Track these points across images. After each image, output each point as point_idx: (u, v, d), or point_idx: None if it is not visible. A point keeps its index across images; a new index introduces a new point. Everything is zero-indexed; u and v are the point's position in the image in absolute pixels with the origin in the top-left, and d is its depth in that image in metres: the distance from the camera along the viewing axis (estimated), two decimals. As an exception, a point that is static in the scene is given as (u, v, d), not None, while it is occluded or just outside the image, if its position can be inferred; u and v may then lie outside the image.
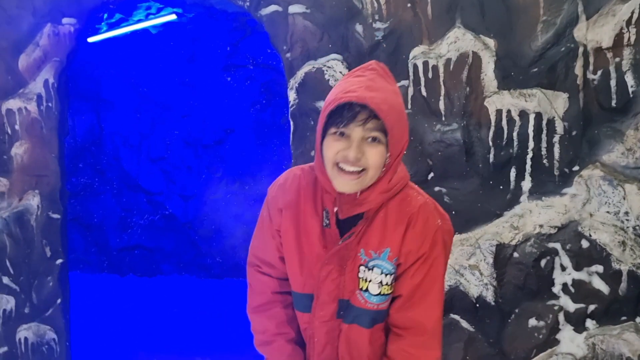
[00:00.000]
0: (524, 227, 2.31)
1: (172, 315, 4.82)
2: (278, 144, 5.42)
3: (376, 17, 2.44)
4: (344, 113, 1.25)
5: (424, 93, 2.40)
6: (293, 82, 2.59)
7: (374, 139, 1.27)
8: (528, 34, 2.24)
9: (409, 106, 2.42)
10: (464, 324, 2.41)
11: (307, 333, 1.46)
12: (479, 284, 2.38)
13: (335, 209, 1.37)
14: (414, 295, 1.36)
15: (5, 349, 3.17)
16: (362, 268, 1.36)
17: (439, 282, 1.38)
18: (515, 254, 2.33)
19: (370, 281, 1.35)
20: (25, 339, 3.14)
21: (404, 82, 2.41)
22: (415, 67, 2.40)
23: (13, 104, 3.03)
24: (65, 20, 2.95)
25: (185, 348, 4.05)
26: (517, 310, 2.35)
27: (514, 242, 2.32)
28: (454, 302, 2.44)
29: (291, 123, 2.62)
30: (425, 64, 2.38)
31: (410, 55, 2.41)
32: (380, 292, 1.36)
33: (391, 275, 1.36)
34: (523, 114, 2.27)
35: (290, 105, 2.62)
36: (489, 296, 2.37)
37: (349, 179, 1.28)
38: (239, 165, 5.69)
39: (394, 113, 1.27)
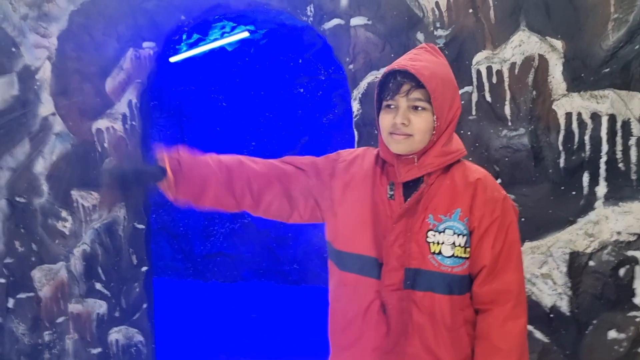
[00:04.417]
0: (600, 234, 2.20)
1: (252, 320, 4.98)
2: (350, 152, 5.46)
3: (437, 24, 2.43)
4: (390, 86, 1.40)
5: (488, 98, 2.36)
6: (356, 93, 2.64)
7: (418, 107, 1.38)
8: (598, 33, 2.14)
9: (474, 112, 2.39)
10: (538, 334, 2.33)
11: (375, 301, 1.46)
12: (552, 293, 2.29)
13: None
14: (497, 264, 1.40)
15: (99, 349, 3.43)
16: (430, 233, 1.40)
17: (518, 248, 1.44)
18: (591, 263, 2.22)
19: (442, 243, 1.39)
20: (117, 340, 3.39)
21: (467, 88, 2.39)
22: (479, 72, 2.36)
23: (102, 123, 3.30)
24: (145, 44, 3.18)
25: (263, 352, 4.18)
26: (595, 322, 2.24)
27: (589, 250, 2.22)
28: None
29: (355, 133, 2.66)
30: (489, 69, 2.34)
31: (474, 61, 2.38)
32: (453, 254, 1.39)
33: (463, 236, 1.40)
34: (595, 117, 2.17)
35: (354, 116, 2.66)
36: (564, 306, 2.28)
37: (399, 139, 1.40)
38: (312, 174, 5.78)
39: (436, 78, 1.37)
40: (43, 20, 3.40)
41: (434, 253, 1.40)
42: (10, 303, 3.62)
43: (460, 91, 2.35)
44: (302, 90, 5.76)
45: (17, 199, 3.57)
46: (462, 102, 2.35)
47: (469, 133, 2.38)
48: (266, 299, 5.57)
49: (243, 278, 6.19)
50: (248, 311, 5.22)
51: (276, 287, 5.94)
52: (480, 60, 2.37)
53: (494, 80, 2.33)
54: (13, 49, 3.51)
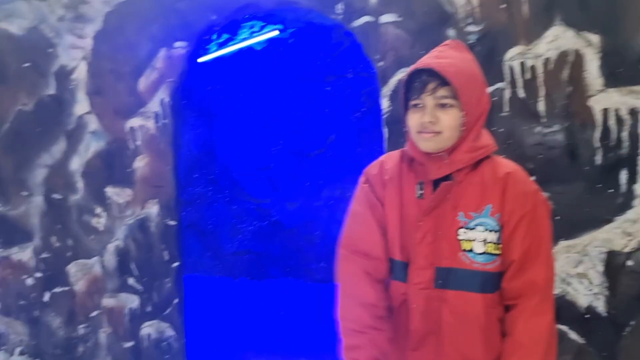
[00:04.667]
0: (638, 233, 2.15)
1: (280, 317, 5.01)
2: (379, 150, 5.44)
3: (469, 20, 2.41)
4: (416, 85, 1.39)
5: (521, 95, 2.32)
6: (386, 90, 2.63)
7: (445, 105, 1.37)
8: (636, 28, 2.09)
9: (506, 109, 2.36)
10: (573, 335, 2.29)
11: (403, 304, 1.46)
12: (588, 293, 2.24)
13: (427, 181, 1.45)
14: (526, 259, 1.38)
15: (132, 343, 3.50)
16: (461, 231, 1.39)
17: (548, 244, 1.43)
18: (629, 262, 2.17)
19: (474, 240, 1.38)
20: (149, 335, 3.45)
21: (500, 85, 2.35)
22: (512, 68, 2.33)
23: (135, 122, 3.36)
24: (177, 44, 3.22)
25: (290, 349, 4.20)
26: (632, 323, 2.18)
27: (627, 249, 2.17)
28: (561, 312, 2.31)
29: (385, 130, 2.66)
30: (523, 64, 2.30)
31: (506, 57, 2.34)
32: (485, 251, 1.38)
33: (495, 232, 1.38)
34: (634, 113, 2.12)
35: (384, 113, 2.66)
36: (600, 307, 2.23)
37: (427, 137, 1.40)
38: (340, 172, 5.79)
39: (462, 75, 1.37)
40: (79, 22, 3.48)
41: (465, 250, 1.39)
42: (47, 297, 3.72)
43: (493, 88, 2.33)
44: (329, 88, 5.76)
45: (54, 195, 3.66)
46: (495, 98, 2.32)
47: (501, 130, 2.35)
48: (293, 296, 5.59)
49: (271, 276, 6.22)
50: (276, 308, 5.25)
51: (304, 285, 5.96)
52: (513, 56, 2.33)
53: (528, 76, 2.30)
54: (50, 50, 3.60)
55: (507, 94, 2.35)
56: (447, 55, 1.41)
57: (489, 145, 1.46)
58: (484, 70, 1.51)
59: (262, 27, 4.64)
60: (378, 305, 1.46)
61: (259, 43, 5.31)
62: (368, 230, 1.52)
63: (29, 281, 3.76)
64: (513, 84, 2.33)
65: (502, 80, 2.35)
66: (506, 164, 1.46)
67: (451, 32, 2.45)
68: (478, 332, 1.40)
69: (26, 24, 3.65)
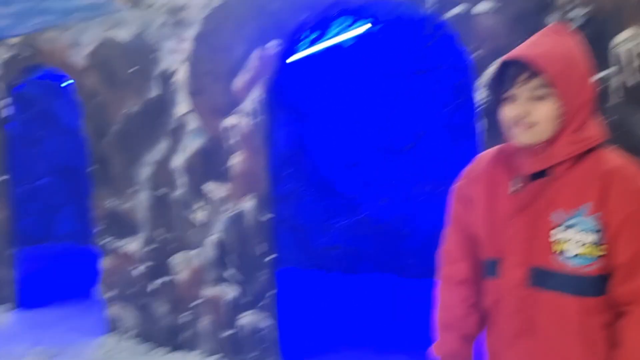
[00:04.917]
0: None
1: (371, 312, 5.02)
2: (471, 145, 5.28)
3: (573, 4, 2.27)
4: (507, 77, 1.32)
5: (633, 81, 2.16)
6: (482, 81, 2.54)
7: (539, 95, 1.30)
8: None
9: (616, 96, 2.20)
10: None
11: (496, 301, 1.43)
12: None
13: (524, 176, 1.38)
14: (634, 262, 1.26)
15: (230, 332, 3.66)
16: (555, 230, 1.31)
17: None
18: None
19: (568, 241, 1.29)
20: (246, 324, 3.59)
21: (608, 71, 2.20)
22: (622, 53, 2.17)
23: (231, 120, 3.51)
24: (269, 44, 3.32)
25: (379, 343, 4.19)
26: None
27: None
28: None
29: (483, 122, 2.57)
30: (634, 49, 2.14)
31: (615, 42, 2.19)
32: (582, 253, 1.28)
33: (594, 233, 1.28)
34: None
35: (480, 105, 2.57)
36: None
37: (522, 130, 1.32)
38: (431, 168, 5.69)
39: (558, 63, 1.28)
40: (179, 26, 3.68)
41: (559, 252, 1.30)
42: (154, 286, 3.99)
43: (600, 75, 2.18)
44: (420, 82, 5.67)
45: (158, 191, 3.91)
46: (604, 85, 2.17)
47: (610, 119, 2.20)
48: (384, 291, 5.57)
49: (361, 270, 6.24)
50: (367, 303, 5.26)
51: (397, 280, 5.92)
52: (623, 40, 2.17)
53: (640, 61, 2.13)
54: (153, 55, 3.85)
55: (616, 80, 2.19)
56: (542, 43, 1.32)
57: (593, 136, 1.33)
58: (591, 57, 1.41)
59: (352, 23, 4.66)
60: (452, 307, 1.53)
61: (348, 39, 5.33)
62: (449, 232, 1.56)
63: (138, 271, 4.05)
64: (623, 70, 2.17)
65: (610, 66, 2.19)
66: (612, 158, 1.32)
67: (552, 18, 2.33)
68: (575, 337, 1.31)
69: (132, 31, 3.93)
